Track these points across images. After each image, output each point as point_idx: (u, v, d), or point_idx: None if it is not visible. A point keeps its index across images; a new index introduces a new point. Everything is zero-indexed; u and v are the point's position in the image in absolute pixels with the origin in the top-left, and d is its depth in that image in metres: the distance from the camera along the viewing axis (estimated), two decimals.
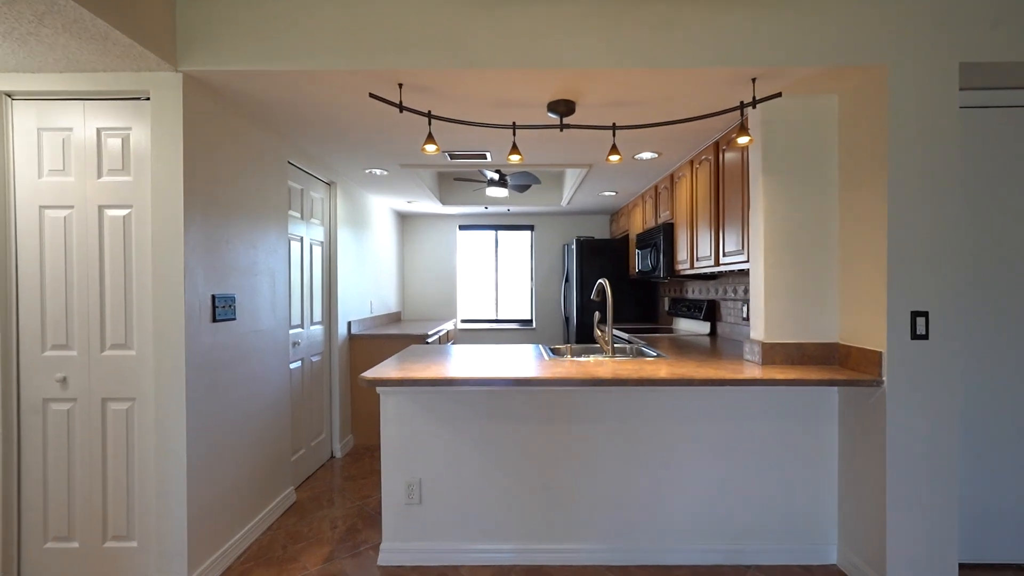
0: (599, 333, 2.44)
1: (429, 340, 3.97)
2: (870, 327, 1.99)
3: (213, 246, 2.14)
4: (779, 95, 1.97)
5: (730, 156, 2.60)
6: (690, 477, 2.19)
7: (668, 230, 3.56)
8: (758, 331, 2.27)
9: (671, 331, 3.98)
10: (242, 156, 2.38)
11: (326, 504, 2.83)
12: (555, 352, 2.69)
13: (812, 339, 2.21)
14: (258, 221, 2.53)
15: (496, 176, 4.10)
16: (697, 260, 3.08)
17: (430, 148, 2.10)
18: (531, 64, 1.90)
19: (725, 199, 2.67)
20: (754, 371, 2.01)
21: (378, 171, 3.61)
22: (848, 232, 2.13)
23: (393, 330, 4.20)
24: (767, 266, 2.22)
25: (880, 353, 1.91)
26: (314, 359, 3.36)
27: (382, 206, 4.93)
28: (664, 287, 4.79)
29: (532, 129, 2.28)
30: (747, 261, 2.41)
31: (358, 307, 4.13)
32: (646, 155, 3.21)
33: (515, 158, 2.24)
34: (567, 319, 5.42)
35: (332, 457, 3.61)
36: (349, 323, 3.89)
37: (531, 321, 5.98)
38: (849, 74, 1.97)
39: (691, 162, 3.20)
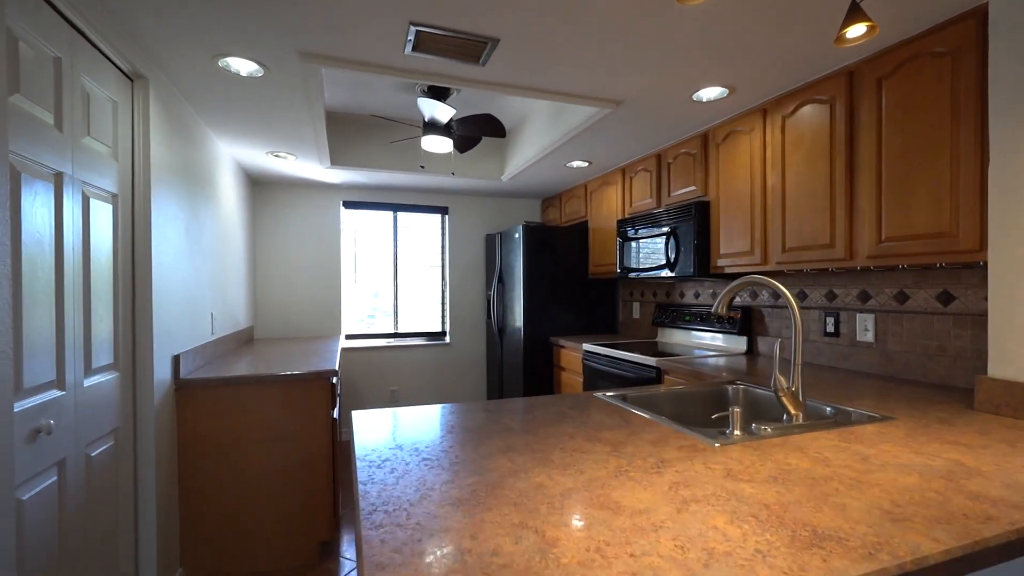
0: (782, 381, 1.26)
1: (334, 379, 2.33)
2: None
3: None
4: None
5: (904, 89, 1.66)
6: None
7: (702, 211, 2.56)
8: None
9: (656, 347, 3.00)
10: None
11: None
12: (698, 427, 1.44)
13: None
14: None
15: (440, 117, 2.63)
16: (784, 250, 2.12)
17: None
18: None
19: (885, 157, 1.72)
20: None
21: (245, 66, 1.87)
22: None
23: (250, 364, 2.42)
24: None
25: None
26: (94, 452, 1.52)
27: (225, 157, 3.01)
28: (628, 290, 3.84)
29: None
30: (978, 250, 1.48)
31: (191, 326, 2.26)
32: (711, 92, 2.14)
33: None
34: (500, 331, 4.14)
35: None
36: (176, 359, 2.04)
37: (444, 334, 4.53)
38: None
39: (763, 111, 2.23)
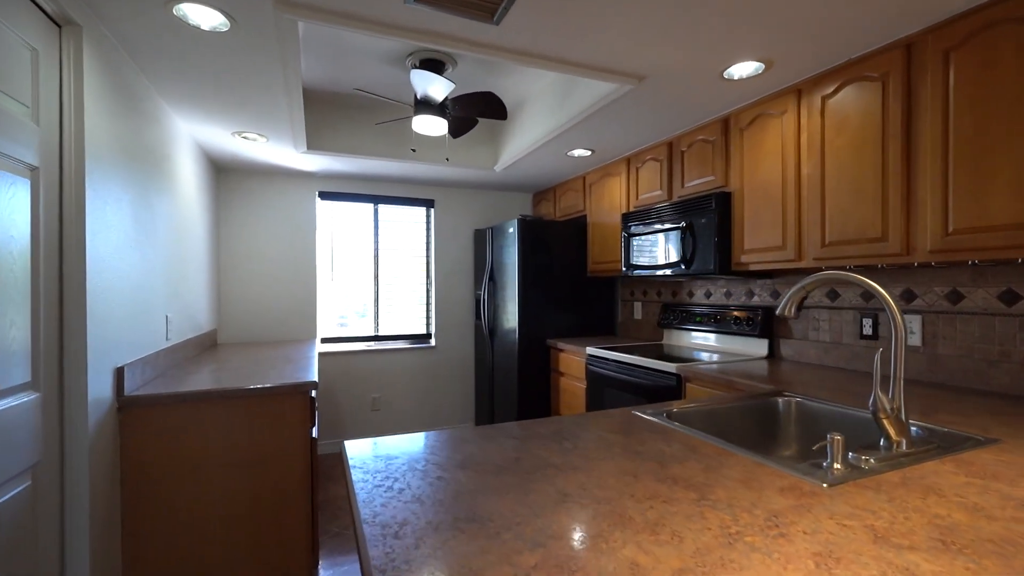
0: (884, 401, 1.03)
1: (313, 393, 2.01)
2: None
3: None
4: None
5: (978, 61, 1.46)
6: None
7: (722, 203, 2.34)
8: None
9: (662, 349, 2.78)
10: None
11: None
12: (795, 464, 1.19)
13: None
14: None
15: (434, 94, 2.33)
16: (823, 245, 1.91)
17: None
18: None
19: (953, 139, 1.52)
20: None
21: (207, 17, 1.54)
22: None
23: (213, 376, 2.07)
24: None
25: None
26: (2, 499, 1.17)
27: (184, 137, 2.64)
28: (628, 289, 3.62)
29: None
30: None
31: (139, 331, 1.91)
32: (745, 68, 1.92)
33: None
34: (491, 332, 3.85)
35: None
36: (119, 371, 1.69)
37: (429, 336, 4.22)
38: None
39: (797, 92, 2.02)
